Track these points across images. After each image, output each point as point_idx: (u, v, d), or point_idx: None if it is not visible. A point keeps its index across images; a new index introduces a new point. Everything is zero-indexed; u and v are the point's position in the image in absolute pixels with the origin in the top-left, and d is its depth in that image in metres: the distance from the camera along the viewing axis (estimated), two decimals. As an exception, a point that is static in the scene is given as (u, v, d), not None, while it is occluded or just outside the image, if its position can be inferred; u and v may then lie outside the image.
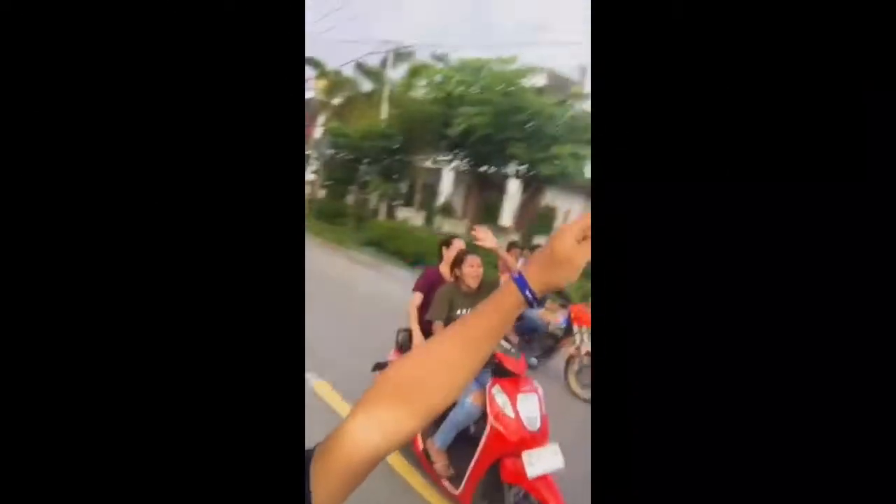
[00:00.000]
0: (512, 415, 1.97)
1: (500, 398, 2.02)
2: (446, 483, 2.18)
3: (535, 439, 1.96)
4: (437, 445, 2.18)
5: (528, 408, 2.00)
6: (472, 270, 2.43)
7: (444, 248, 2.87)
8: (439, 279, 2.75)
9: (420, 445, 2.31)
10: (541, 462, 1.91)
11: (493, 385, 2.06)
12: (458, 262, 2.50)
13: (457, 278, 2.51)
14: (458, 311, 2.40)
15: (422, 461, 2.32)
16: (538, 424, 1.99)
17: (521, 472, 1.89)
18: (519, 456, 1.90)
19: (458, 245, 2.79)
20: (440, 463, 2.18)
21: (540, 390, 2.12)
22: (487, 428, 2.03)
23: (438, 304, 2.43)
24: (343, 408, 2.28)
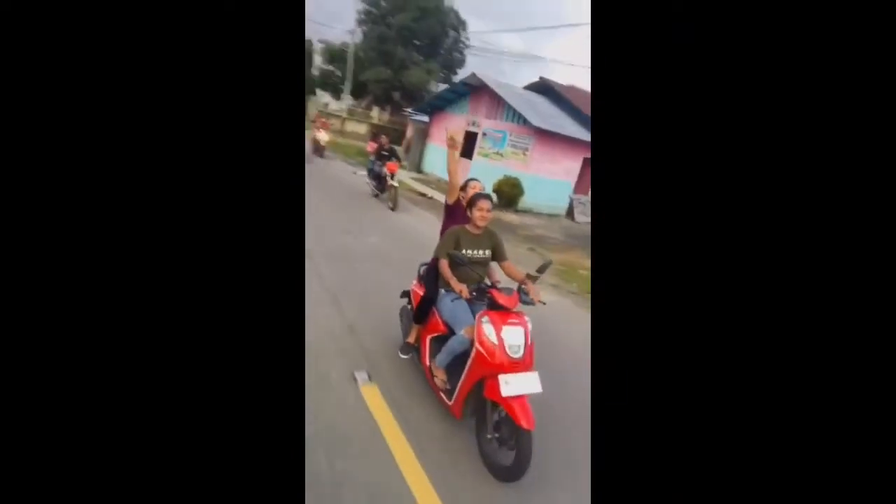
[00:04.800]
0: (496, 342, 2.18)
1: (486, 327, 2.23)
2: (443, 395, 2.53)
3: (515, 365, 2.16)
4: (437, 364, 2.56)
5: (512, 337, 2.20)
6: (481, 214, 2.58)
7: (461, 192, 3.03)
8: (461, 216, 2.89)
9: (426, 362, 2.72)
10: (516, 384, 2.12)
11: (482, 316, 2.29)
12: (471, 204, 2.63)
13: (466, 217, 2.68)
14: (465, 251, 2.59)
15: (427, 374, 2.73)
16: (521, 353, 2.19)
17: (497, 391, 2.11)
18: (497, 377, 2.14)
19: (476, 187, 2.93)
20: (439, 377, 2.56)
21: (529, 325, 2.30)
22: (473, 351, 2.28)
23: (444, 242, 2.64)
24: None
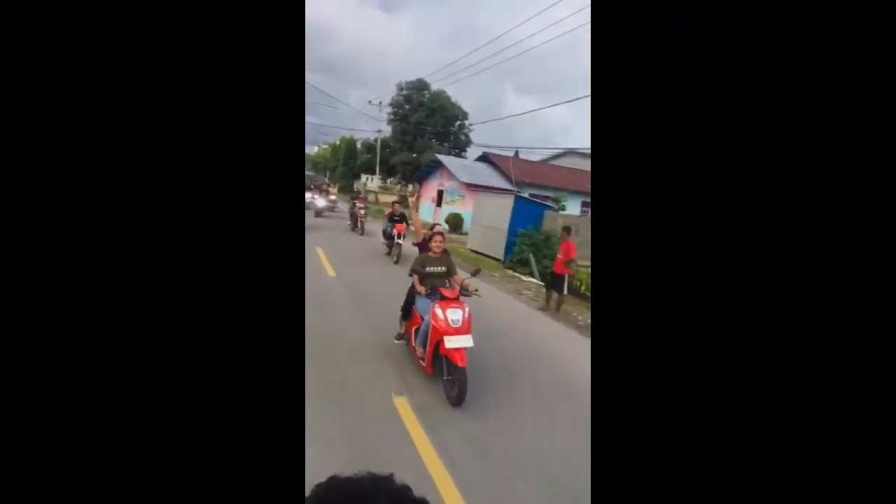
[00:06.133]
0: (442, 318, 3.70)
1: (437, 310, 3.75)
2: (421, 362, 4.03)
3: (456, 331, 3.65)
4: (417, 343, 4.11)
5: (453, 315, 3.70)
6: (436, 244, 4.33)
7: (426, 232, 4.79)
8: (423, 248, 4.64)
9: (413, 344, 4.27)
10: (455, 341, 3.60)
11: (434, 304, 3.84)
12: (430, 239, 4.40)
13: (429, 248, 4.39)
14: (427, 268, 4.26)
15: (413, 353, 4.27)
16: (460, 324, 3.67)
17: (444, 347, 3.62)
18: (443, 338, 3.65)
19: (437, 229, 4.57)
20: (418, 352, 4.07)
21: (466, 307, 3.84)
22: (430, 326, 3.79)
23: (414, 263, 4.35)
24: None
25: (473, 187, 18.01)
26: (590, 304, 7.89)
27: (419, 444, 3.04)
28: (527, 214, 11.89)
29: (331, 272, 8.23)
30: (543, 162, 26.64)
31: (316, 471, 0.67)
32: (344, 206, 18.84)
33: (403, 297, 4.64)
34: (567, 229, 7.57)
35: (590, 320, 6.80)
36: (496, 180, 19.24)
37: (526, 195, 14.28)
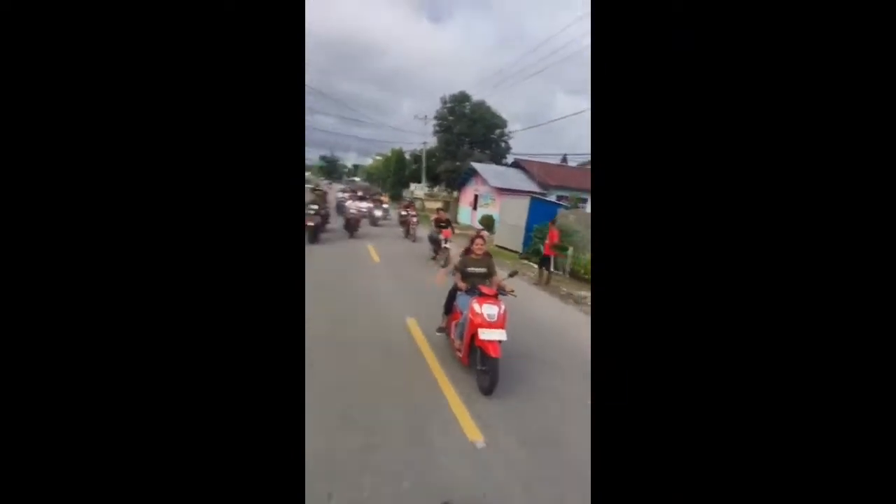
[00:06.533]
0: (479, 312, 4.00)
1: (475, 306, 4.06)
2: (458, 353, 4.38)
3: (491, 325, 3.91)
4: (455, 336, 4.49)
5: (489, 311, 3.99)
6: (477, 246, 4.79)
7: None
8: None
9: (452, 336, 4.68)
10: (489, 334, 3.86)
11: (473, 300, 4.14)
12: (472, 241, 4.84)
13: (470, 250, 4.82)
14: (469, 268, 4.69)
15: (452, 346, 4.68)
16: (495, 319, 3.95)
17: (478, 338, 3.90)
18: (478, 330, 3.91)
19: (479, 233, 5.12)
20: (456, 343, 4.45)
21: (502, 304, 4.11)
22: (468, 319, 4.09)
23: (458, 262, 4.80)
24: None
25: (504, 191, 20.05)
26: (569, 280, 9.86)
27: (425, 351, 4.75)
28: (543, 213, 13.78)
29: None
30: (582, 165, 28.25)
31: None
32: (394, 214, 20.42)
33: (443, 295, 5.17)
34: (553, 220, 9.56)
35: (566, 291, 8.80)
36: (526, 184, 21.18)
37: (553, 197, 16.09)
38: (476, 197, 22.56)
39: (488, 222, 20.10)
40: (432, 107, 37.35)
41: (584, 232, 11.35)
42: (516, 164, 24.70)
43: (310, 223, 10.79)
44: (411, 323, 5.68)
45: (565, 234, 10.84)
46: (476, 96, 34.00)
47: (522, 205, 14.21)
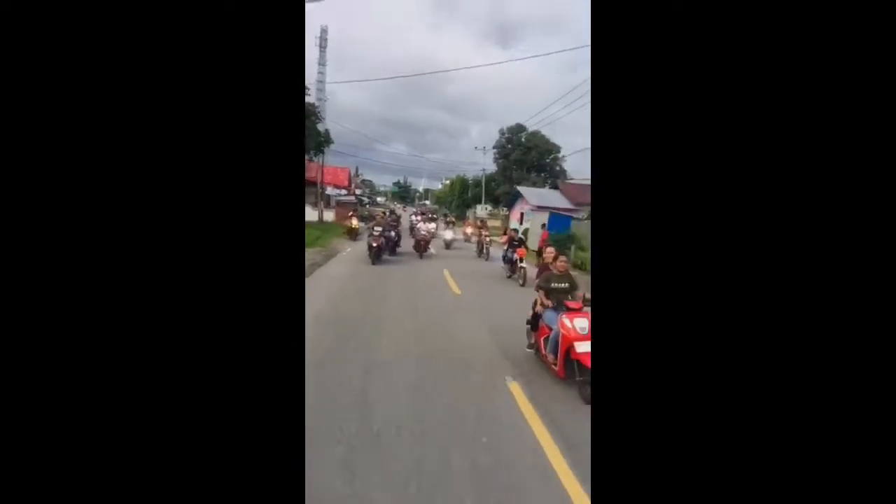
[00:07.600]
0: (570, 326, 4.22)
1: (565, 320, 4.30)
2: (553, 367, 4.53)
3: (583, 338, 4.13)
4: (548, 351, 4.68)
5: (580, 324, 4.22)
6: (560, 265, 5.12)
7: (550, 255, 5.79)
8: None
9: (543, 352, 4.83)
10: (584, 347, 4.07)
11: (562, 315, 4.40)
12: (553, 259, 5.37)
13: (549, 267, 5.33)
14: (553, 284, 4.98)
15: (544, 360, 4.84)
16: (586, 331, 4.14)
17: (575, 352, 4.13)
18: (573, 344, 4.15)
19: (551, 251, 5.92)
20: (549, 358, 4.62)
21: (590, 315, 4.23)
22: (560, 334, 4.33)
23: (541, 280, 5.17)
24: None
25: (542, 208, 24.25)
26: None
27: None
28: (560, 224, 17.98)
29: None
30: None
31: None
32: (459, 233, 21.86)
33: (524, 316, 5.37)
34: (543, 225, 13.86)
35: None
36: (562, 202, 25.20)
37: (584, 213, 20.08)
38: (521, 214, 26.95)
39: (524, 233, 24.43)
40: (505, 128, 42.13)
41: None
42: (554, 186, 28.88)
43: (374, 244, 11.28)
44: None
45: (577, 238, 14.81)
46: (545, 116, 38.65)
47: (543, 218, 18.52)
